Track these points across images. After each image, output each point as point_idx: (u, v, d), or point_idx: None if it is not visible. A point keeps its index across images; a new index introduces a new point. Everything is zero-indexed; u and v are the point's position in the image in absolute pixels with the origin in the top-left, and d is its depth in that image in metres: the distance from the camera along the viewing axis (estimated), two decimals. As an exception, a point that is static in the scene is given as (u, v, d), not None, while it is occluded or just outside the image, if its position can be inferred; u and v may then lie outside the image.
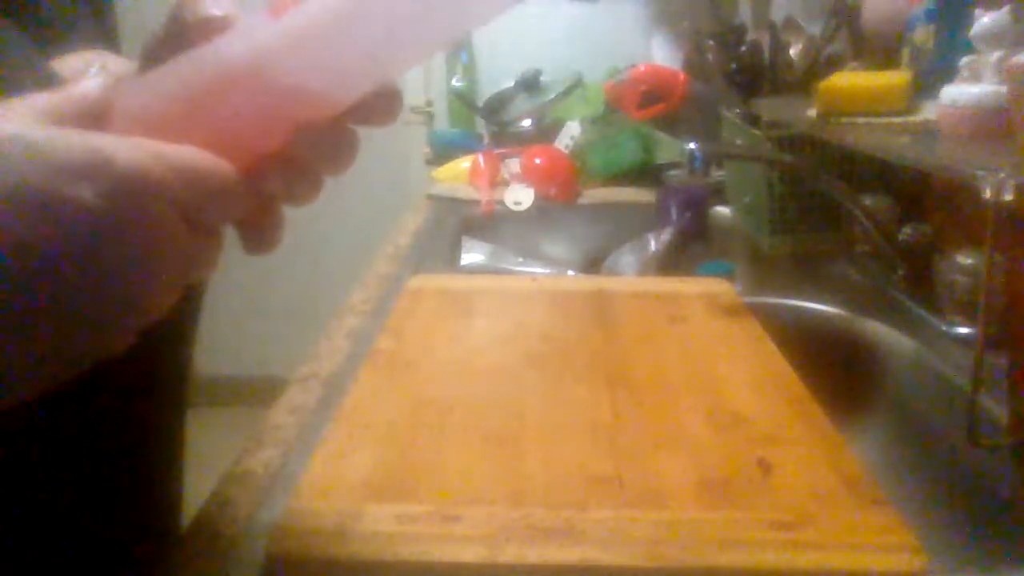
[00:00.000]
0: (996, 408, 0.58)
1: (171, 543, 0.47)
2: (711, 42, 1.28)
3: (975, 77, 0.67)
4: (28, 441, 0.38)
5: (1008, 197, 0.51)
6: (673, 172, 1.39)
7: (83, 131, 0.26)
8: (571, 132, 1.53)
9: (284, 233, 0.31)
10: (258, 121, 0.29)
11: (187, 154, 0.27)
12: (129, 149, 0.26)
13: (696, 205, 1.09)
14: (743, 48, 1.24)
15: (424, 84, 2.14)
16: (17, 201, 0.24)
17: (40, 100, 0.26)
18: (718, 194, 1.21)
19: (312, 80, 0.28)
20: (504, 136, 1.68)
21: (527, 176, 1.38)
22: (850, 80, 0.86)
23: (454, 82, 1.90)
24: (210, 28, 0.28)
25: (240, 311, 2.38)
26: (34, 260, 0.24)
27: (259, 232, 0.31)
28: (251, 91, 0.28)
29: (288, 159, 0.30)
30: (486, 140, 1.75)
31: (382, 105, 0.30)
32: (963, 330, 0.72)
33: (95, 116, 0.27)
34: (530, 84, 1.74)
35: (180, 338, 0.49)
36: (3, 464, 0.37)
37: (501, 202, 1.30)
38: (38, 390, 0.27)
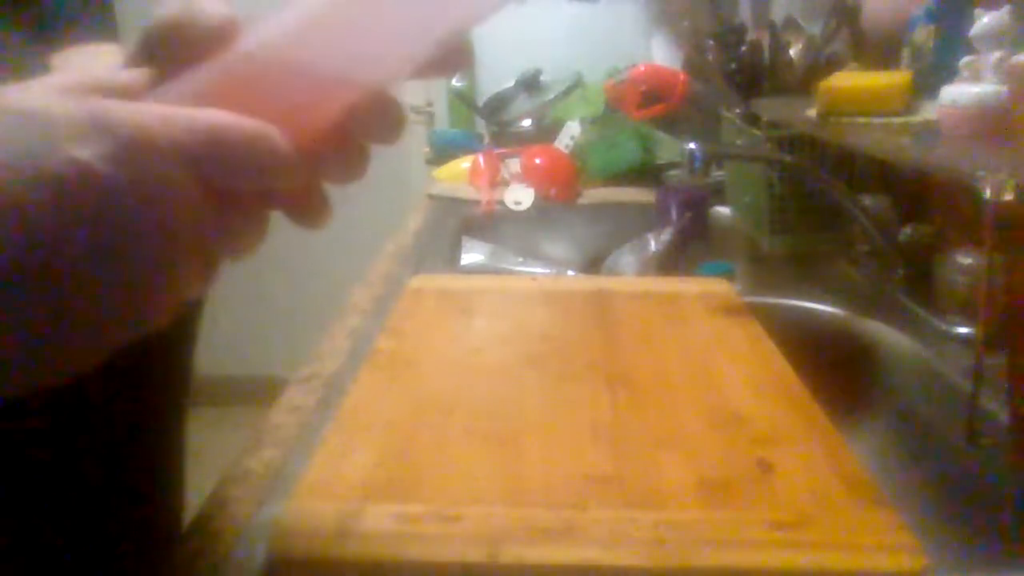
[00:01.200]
0: (996, 408, 0.58)
1: (171, 543, 0.48)
2: (711, 42, 1.28)
3: (975, 77, 0.67)
4: (29, 441, 0.38)
5: (1008, 197, 0.51)
6: (673, 172, 1.40)
7: (85, 98, 0.25)
8: (571, 132, 1.53)
9: (331, 210, 0.30)
10: (298, 106, 0.28)
11: (207, 115, 0.25)
12: (132, 110, 0.24)
13: (696, 205, 1.09)
14: (743, 48, 1.24)
15: (424, 84, 2.14)
16: (12, 165, 0.23)
17: (57, 79, 0.26)
18: (718, 194, 1.21)
19: (348, 60, 0.28)
20: (504, 136, 1.69)
21: (527, 176, 1.38)
22: (850, 80, 0.86)
23: (454, 82, 1.91)
24: (224, 33, 0.27)
25: (240, 311, 2.38)
26: (37, 226, 0.23)
27: (305, 212, 0.30)
28: (287, 77, 0.28)
29: (336, 138, 0.29)
30: (486, 140, 1.75)
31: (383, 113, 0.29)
32: (963, 330, 0.72)
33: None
34: (530, 84, 1.74)
35: (181, 338, 0.49)
36: (3, 463, 0.37)
37: (501, 202, 1.30)
38: (58, 372, 0.25)
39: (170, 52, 0.27)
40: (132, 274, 0.25)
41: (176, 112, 0.25)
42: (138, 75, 0.27)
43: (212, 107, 0.26)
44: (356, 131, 0.29)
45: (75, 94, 0.25)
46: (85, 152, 0.23)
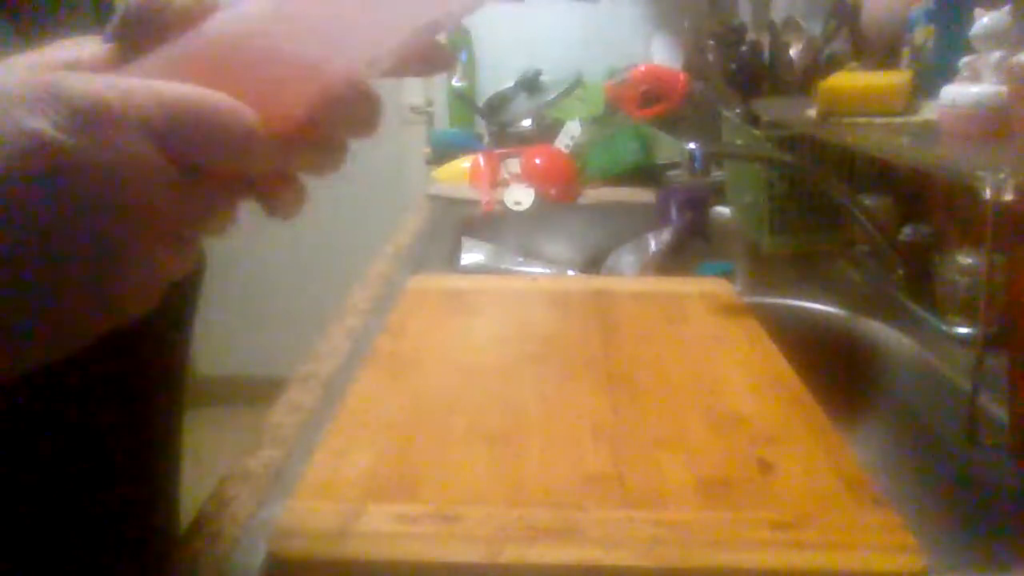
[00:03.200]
0: (996, 408, 0.58)
1: (171, 543, 0.48)
2: (711, 42, 1.28)
3: (975, 77, 0.67)
4: (26, 441, 0.38)
5: (1008, 197, 0.51)
6: (673, 172, 1.40)
7: (44, 71, 0.24)
8: (571, 132, 1.53)
9: (305, 198, 0.29)
10: (270, 88, 0.27)
11: (173, 87, 0.24)
12: (88, 80, 0.24)
13: (696, 205, 1.09)
14: (743, 48, 1.24)
15: (424, 84, 2.14)
16: None
17: (23, 58, 0.25)
18: (718, 194, 1.21)
19: (322, 46, 0.27)
20: (504, 136, 1.68)
21: (527, 176, 1.38)
22: (850, 80, 0.86)
23: (454, 82, 1.91)
24: (200, 13, 0.27)
25: (240, 311, 2.38)
26: None
27: (277, 201, 0.29)
28: (259, 59, 0.27)
29: (310, 126, 0.28)
30: (486, 140, 1.75)
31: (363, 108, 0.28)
32: (963, 330, 0.72)
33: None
34: (530, 84, 1.74)
35: (179, 337, 0.49)
36: (2, 463, 0.37)
37: (501, 202, 1.30)
38: (28, 356, 0.24)
39: (146, 31, 0.27)
40: (97, 246, 0.24)
41: (138, 83, 0.24)
42: (105, 51, 0.27)
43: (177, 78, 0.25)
44: (330, 120, 0.28)
45: (37, 69, 0.25)
46: (39, 122, 0.23)
